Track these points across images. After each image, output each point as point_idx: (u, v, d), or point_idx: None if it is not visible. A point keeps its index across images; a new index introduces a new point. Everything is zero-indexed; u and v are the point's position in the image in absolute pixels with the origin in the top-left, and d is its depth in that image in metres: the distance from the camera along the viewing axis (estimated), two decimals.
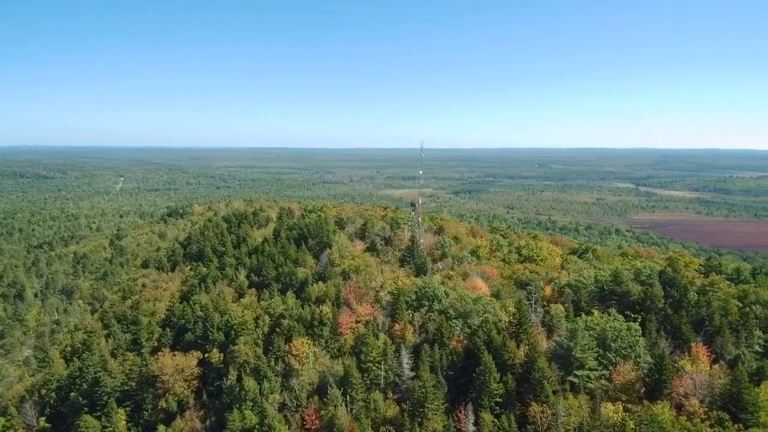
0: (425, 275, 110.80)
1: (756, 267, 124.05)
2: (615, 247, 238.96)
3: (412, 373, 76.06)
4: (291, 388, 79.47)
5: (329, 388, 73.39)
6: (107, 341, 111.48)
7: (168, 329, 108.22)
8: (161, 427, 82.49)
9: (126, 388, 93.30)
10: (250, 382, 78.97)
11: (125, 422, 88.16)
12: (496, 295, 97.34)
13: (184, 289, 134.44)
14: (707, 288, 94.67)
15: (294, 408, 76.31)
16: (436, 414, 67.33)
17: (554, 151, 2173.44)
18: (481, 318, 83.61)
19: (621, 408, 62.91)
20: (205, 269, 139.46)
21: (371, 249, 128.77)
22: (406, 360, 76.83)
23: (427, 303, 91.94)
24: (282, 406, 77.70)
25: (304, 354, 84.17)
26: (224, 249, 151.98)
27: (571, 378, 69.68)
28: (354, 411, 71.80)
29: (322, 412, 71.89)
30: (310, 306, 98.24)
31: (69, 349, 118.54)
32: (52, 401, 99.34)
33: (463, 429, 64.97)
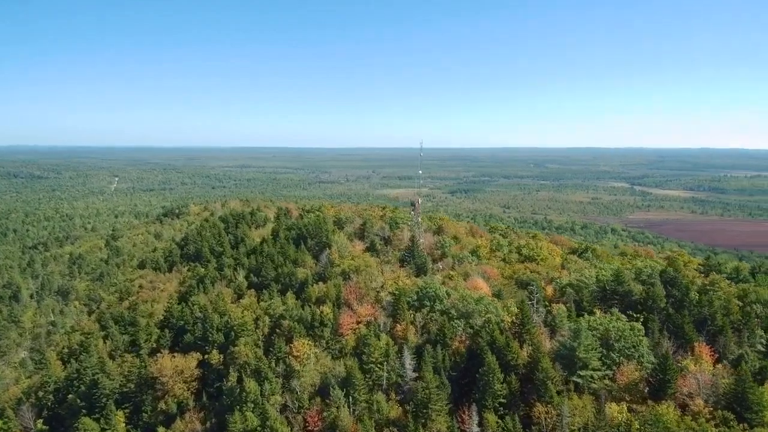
0: (426, 275, 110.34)
1: (754, 266, 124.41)
2: (611, 246, 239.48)
3: (414, 374, 75.60)
4: (292, 390, 78.90)
5: (331, 389, 72.86)
6: (105, 343, 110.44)
7: (167, 330, 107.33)
8: (161, 429, 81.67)
9: (125, 390, 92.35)
10: (250, 384, 78.34)
11: (124, 424, 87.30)
12: (498, 295, 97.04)
13: (182, 289, 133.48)
14: (708, 287, 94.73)
15: (296, 410, 75.75)
16: (439, 415, 66.88)
17: (550, 150, 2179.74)
18: (483, 318, 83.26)
19: (625, 408, 62.79)
20: (203, 270, 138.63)
21: (371, 249, 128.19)
22: (408, 361, 76.39)
23: (428, 303, 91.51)
24: (283, 408, 77.08)
25: (305, 355, 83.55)
26: (222, 249, 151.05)
27: (574, 378, 69.45)
28: (357, 412, 71.36)
29: (325, 414, 71.34)
30: (310, 307, 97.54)
31: (66, 350, 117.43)
32: (49, 403, 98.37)
33: (467, 430, 64.66)
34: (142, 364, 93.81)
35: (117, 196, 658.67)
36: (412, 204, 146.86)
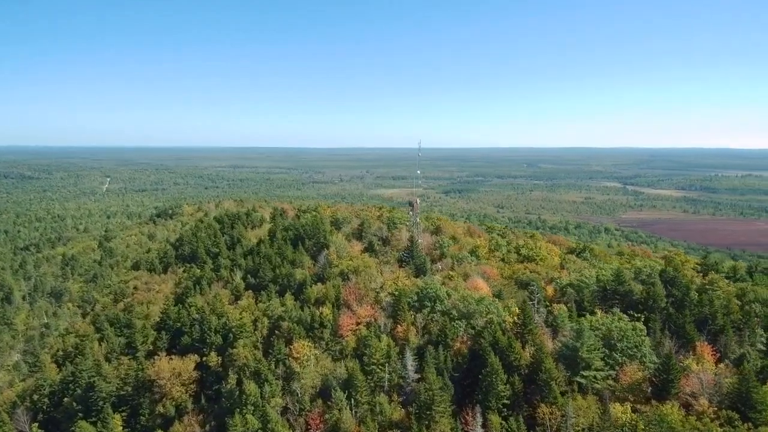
0: (425, 276, 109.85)
1: (751, 265, 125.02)
2: (605, 245, 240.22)
3: (416, 375, 75.12)
4: (293, 392, 78.15)
5: (333, 391, 72.29)
6: (100, 345, 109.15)
7: (163, 332, 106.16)
8: None
9: (122, 393, 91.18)
10: (250, 386, 77.53)
11: (122, 428, 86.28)
12: (498, 296, 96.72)
13: (178, 291, 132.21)
14: (707, 287, 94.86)
15: (297, 412, 75.10)
16: (443, 416, 66.54)
17: (542, 150, 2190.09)
18: (485, 319, 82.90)
19: (629, 408, 62.62)
20: (199, 271, 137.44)
21: (369, 249, 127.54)
22: (410, 362, 75.88)
23: (429, 304, 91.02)
24: (284, 410, 76.37)
25: (305, 357, 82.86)
26: (218, 250, 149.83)
27: (578, 379, 69.21)
28: (359, 414, 70.78)
29: (327, 416, 70.75)
30: (309, 308, 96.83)
31: (61, 353, 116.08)
32: (44, 407, 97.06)
33: (471, 431, 64.19)
34: (139, 366, 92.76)
35: (109, 197, 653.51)
36: (411, 204, 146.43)
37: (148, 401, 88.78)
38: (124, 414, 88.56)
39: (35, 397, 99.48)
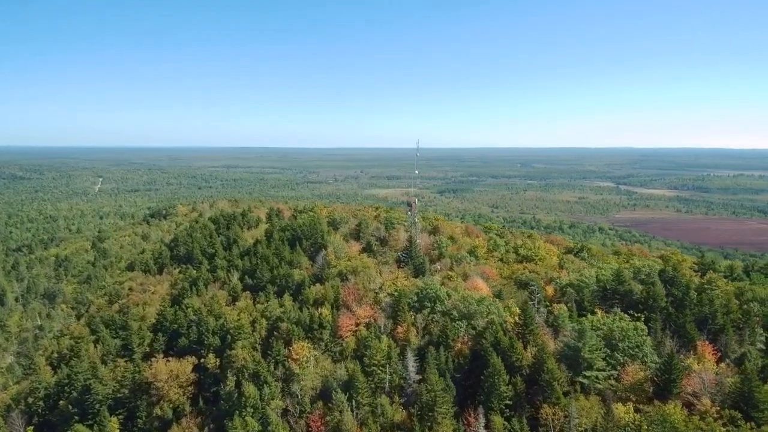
0: (424, 276, 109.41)
1: (747, 264, 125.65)
2: (599, 245, 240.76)
3: (418, 377, 74.64)
4: (293, 394, 77.44)
5: (334, 392, 71.63)
6: (96, 347, 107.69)
7: (160, 334, 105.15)
8: None
9: (118, 395, 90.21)
10: (249, 388, 76.72)
11: (118, 431, 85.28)
12: (498, 296, 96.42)
13: (174, 292, 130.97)
14: (705, 286, 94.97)
15: (297, 414, 74.33)
16: (445, 418, 66.10)
17: (535, 150, 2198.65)
18: (485, 319, 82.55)
19: (631, 408, 62.46)
20: (195, 272, 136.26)
21: (367, 250, 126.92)
22: (411, 363, 75.39)
23: (429, 304, 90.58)
24: (284, 412, 75.58)
25: (305, 358, 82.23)
26: (214, 251, 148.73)
27: (580, 379, 69.00)
28: (360, 416, 70.14)
29: (328, 418, 70.08)
30: (308, 309, 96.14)
31: (55, 355, 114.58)
32: (39, 410, 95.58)
33: None
34: (136, 368, 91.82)
35: (101, 197, 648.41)
36: (409, 204, 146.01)
37: (146, 404, 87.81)
38: (120, 417, 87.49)
39: (30, 400, 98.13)
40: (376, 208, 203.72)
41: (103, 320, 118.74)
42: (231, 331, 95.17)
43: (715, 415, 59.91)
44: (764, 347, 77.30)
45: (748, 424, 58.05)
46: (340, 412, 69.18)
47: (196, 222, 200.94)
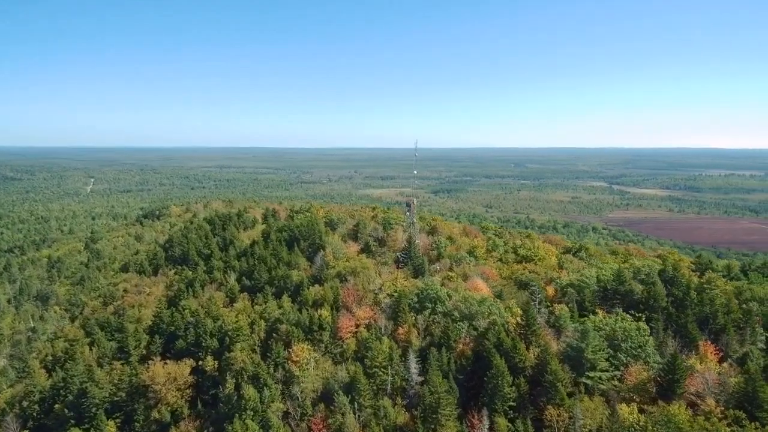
0: (423, 276, 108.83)
1: (745, 264, 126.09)
2: (593, 244, 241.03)
3: (420, 378, 74.09)
4: (293, 396, 76.66)
5: (336, 395, 70.94)
6: (91, 350, 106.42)
7: (157, 336, 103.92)
8: None
9: (115, 398, 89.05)
10: (249, 391, 75.82)
11: None
12: (499, 296, 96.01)
13: (170, 293, 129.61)
14: (705, 286, 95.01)
15: (298, 417, 73.54)
16: (449, 420, 65.52)
17: (529, 150, 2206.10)
18: (487, 320, 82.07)
19: (635, 409, 62.19)
20: (191, 273, 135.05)
21: (365, 250, 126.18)
22: (414, 364, 74.80)
23: (429, 305, 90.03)
24: (285, 415, 74.84)
25: (305, 360, 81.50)
26: (210, 252, 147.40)
27: (583, 380, 68.71)
28: (362, 418, 69.57)
29: (330, 421, 69.39)
30: (307, 310, 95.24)
31: (50, 358, 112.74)
32: (35, 413, 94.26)
33: None
34: (133, 371, 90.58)
35: (93, 198, 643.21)
36: (408, 204, 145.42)
37: (143, 407, 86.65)
38: (117, 420, 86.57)
39: (25, 403, 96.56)
40: (373, 209, 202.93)
41: (98, 322, 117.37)
42: (229, 333, 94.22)
43: (720, 416, 59.80)
44: (765, 347, 77.40)
45: (752, 424, 57.96)
46: (343, 414, 68.53)
47: (191, 223, 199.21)
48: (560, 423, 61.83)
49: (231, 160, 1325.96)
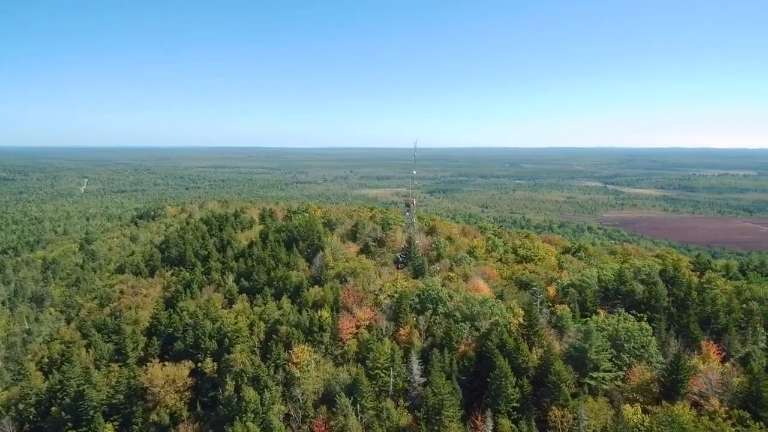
0: (423, 277, 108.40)
1: (743, 263, 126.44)
2: (589, 244, 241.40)
3: (422, 380, 73.60)
4: (295, 398, 76.01)
5: (338, 397, 70.25)
6: (88, 352, 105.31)
7: (155, 338, 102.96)
8: None
9: (113, 401, 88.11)
10: (250, 393, 75.07)
11: None
12: (500, 297, 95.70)
13: (167, 295, 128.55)
14: (705, 285, 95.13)
15: (300, 419, 72.88)
16: (452, 421, 65.11)
17: (524, 150, 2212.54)
18: (489, 321, 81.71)
19: (639, 409, 61.99)
20: (189, 274, 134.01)
21: (364, 251, 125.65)
22: (416, 365, 74.31)
23: (431, 306, 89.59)
24: (286, 417, 74.16)
25: (305, 361, 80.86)
26: (207, 252, 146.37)
27: (587, 380, 68.44)
28: (365, 420, 68.98)
29: (332, 423, 68.73)
30: (307, 311, 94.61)
31: (46, 360, 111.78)
32: (31, 416, 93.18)
33: None
34: (131, 373, 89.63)
35: (87, 198, 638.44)
36: (407, 204, 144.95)
37: (141, 409, 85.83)
38: (116, 423, 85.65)
39: (21, 406, 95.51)
40: (371, 209, 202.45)
41: (95, 324, 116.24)
42: (228, 334, 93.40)
43: (724, 416, 59.72)
44: (767, 346, 77.43)
45: (757, 424, 57.90)
46: (345, 416, 67.91)
47: (187, 223, 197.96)
48: (564, 424, 61.50)
49: (226, 160, 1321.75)
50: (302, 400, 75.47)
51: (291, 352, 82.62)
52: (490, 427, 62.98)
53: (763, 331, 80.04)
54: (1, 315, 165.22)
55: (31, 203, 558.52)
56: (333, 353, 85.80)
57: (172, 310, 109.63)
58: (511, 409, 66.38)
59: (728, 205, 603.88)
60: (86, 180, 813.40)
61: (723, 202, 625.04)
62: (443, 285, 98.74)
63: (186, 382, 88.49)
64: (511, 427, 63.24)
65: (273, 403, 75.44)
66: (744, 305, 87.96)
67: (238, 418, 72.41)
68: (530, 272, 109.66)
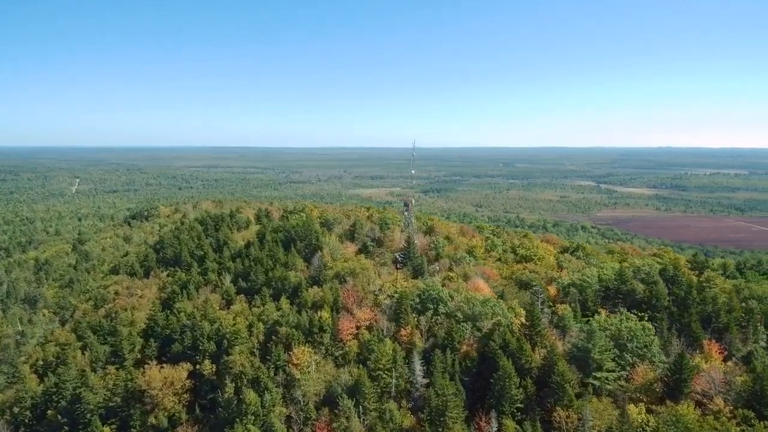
0: (423, 277, 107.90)
1: (740, 262, 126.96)
2: (586, 243, 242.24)
3: (425, 380, 73.08)
4: (295, 400, 75.26)
5: (340, 398, 69.66)
6: (83, 354, 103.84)
7: (152, 340, 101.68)
8: None
9: (110, 404, 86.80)
10: (250, 395, 74.27)
11: None
12: (501, 297, 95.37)
13: (163, 296, 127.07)
14: (704, 284, 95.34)
15: (302, 421, 72.11)
16: (456, 422, 64.58)
17: (517, 150, 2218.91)
18: (491, 321, 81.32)
19: (643, 409, 61.84)
20: (185, 275, 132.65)
21: (363, 251, 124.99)
22: (418, 366, 73.77)
23: (432, 306, 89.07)
24: (287, 419, 73.38)
25: (306, 363, 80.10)
26: (203, 253, 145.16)
27: (590, 380, 68.22)
28: (367, 422, 68.40)
29: (334, 425, 68.08)
30: (307, 312, 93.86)
31: (41, 363, 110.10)
32: (26, 420, 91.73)
33: None
34: (128, 376, 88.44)
35: (79, 198, 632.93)
36: (406, 204, 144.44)
37: (139, 412, 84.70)
38: (113, 426, 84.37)
39: (16, 410, 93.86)
40: (368, 209, 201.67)
41: (90, 326, 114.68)
42: (227, 336, 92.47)
43: (729, 415, 59.65)
44: (766, 345, 77.59)
45: (761, 423, 57.86)
46: (347, 418, 67.34)
47: (182, 223, 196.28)
48: (569, 424, 61.19)
49: (219, 160, 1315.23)
50: (303, 401, 74.76)
51: (291, 353, 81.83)
52: (495, 429, 62.67)
53: (763, 329, 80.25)
54: None
55: (22, 203, 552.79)
56: (333, 354, 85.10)
57: (168, 312, 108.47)
58: (515, 410, 66.00)
59: (720, 204, 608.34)
60: (78, 180, 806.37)
61: (715, 201, 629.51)
62: (443, 285, 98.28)
63: (184, 384, 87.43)
64: (516, 428, 62.90)
65: (274, 405, 74.65)
66: (744, 304, 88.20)
67: (238, 420, 71.59)
68: (530, 272, 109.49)
